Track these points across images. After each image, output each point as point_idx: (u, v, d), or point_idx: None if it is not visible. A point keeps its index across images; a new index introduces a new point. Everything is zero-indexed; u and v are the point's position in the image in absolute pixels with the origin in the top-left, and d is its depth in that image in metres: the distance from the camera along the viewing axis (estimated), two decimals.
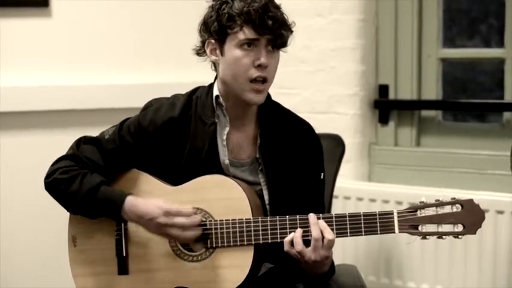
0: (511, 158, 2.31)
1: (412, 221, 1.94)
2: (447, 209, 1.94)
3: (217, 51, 2.02)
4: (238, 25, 1.95)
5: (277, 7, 1.99)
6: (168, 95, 2.15)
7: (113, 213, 2.03)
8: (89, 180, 2.03)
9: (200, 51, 2.08)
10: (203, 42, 2.06)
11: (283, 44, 2.00)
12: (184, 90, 2.16)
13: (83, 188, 2.03)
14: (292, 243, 1.94)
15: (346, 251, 3.08)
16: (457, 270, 2.91)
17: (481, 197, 2.56)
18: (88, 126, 2.52)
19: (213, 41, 2.02)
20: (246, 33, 1.95)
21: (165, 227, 1.97)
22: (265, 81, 1.99)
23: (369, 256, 3.09)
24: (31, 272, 3.09)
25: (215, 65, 2.06)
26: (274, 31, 1.95)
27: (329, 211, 2.70)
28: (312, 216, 1.95)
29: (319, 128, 2.25)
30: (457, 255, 2.90)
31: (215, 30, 1.99)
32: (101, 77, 3.18)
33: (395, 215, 1.95)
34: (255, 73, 1.97)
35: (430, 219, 1.94)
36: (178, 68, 3.19)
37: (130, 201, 2.01)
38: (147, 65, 3.26)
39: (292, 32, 2.01)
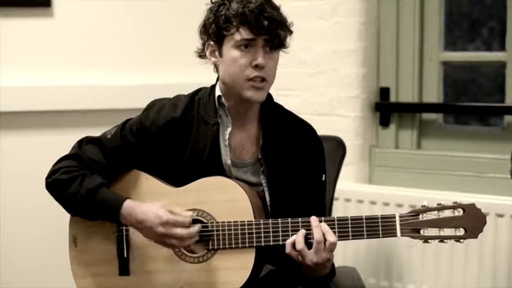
0: (511, 162, 2.31)
1: (413, 224, 1.94)
2: (449, 213, 1.94)
3: (217, 53, 2.03)
4: (235, 26, 1.96)
5: (275, 7, 2.00)
6: (170, 96, 2.15)
7: (111, 217, 2.03)
8: (89, 182, 2.03)
9: (202, 54, 2.09)
10: (203, 45, 2.07)
11: (281, 45, 2.00)
12: (186, 91, 2.16)
13: (82, 190, 2.02)
14: (293, 245, 1.94)
15: (347, 253, 3.08)
16: (456, 273, 2.91)
17: (481, 200, 2.56)
18: (89, 127, 2.51)
19: (212, 43, 2.03)
20: (242, 34, 1.96)
21: (163, 237, 1.97)
22: (263, 80, 1.99)
23: (369, 258, 3.09)
24: (31, 272, 3.09)
25: (216, 66, 2.07)
26: (270, 31, 1.96)
27: (330, 213, 2.70)
28: (313, 219, 1.96)
29: (320, 130, 2.25)
30: (457, 258, 2.90)
31: (213, 32, 2.01)
32: (102, 77, 3.18)
33: (397, 219, 1.95)
34: (252, 73, 1.98)
35: (432, 223, 1.94)
36: (180, 69, 3.18)
37: (128, 205, 2.01)
38: (148, 66, 3.25)
39: (291, 32, 2.02)
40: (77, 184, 2.03)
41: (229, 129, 2.06)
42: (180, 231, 1.96)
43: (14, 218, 3.06)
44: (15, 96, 3.02)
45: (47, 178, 2.09)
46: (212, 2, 2.04)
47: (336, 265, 2.14)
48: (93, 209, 2.03)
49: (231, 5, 1.98)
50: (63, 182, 2.05)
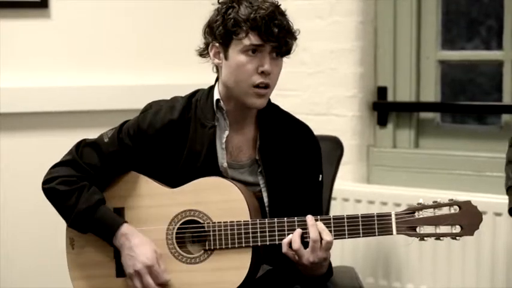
0: (506, 157, 2.32)
1: (410, 222, 1.95)
2: (445, 211, 1.95)
3: (221, 55, 2.02)
4: (244, 31, 1.95)
5: (284, 14, 2.00)
6: (168, 97, 2.15)
7: (105, 237, 2.04)
8: (87, 198, 2.03)
9: (203, 53, 2.08)
10: (207, 45, 2.06)
11: (288, 52, 2.01)
12: (183, 91, 2.16)
13: (79, 205, 2.02)
14: (290, 244, 1.95)
15: (344, 253, 3.08)
16: (455, 272, 2.91)
17: (479, 199, 2.56)
18: (87, 128, 2.52)
19: (217, 44, 2.02)
20: (251, 40, 1.95)
21: (136, 274, 1.98)
22: (267, 87, 2.00)
23: (367, 258, 3.09)
24: (31, 272, 3.09)
25: (217, 68, 2.07)
26: (279, 39, 1.96)
27: (327, 213, 2.70)
28: (309, 218, 1.96)
29: (318, 129, 2.25)
30: (455, 257, 2.90)
31: (220, 34, 1.99)
32: (100, 78, 3.18)
33: (393, 217, 1.95)
34: (258, 79, 1.98)
35: (428, 221, 1.94)
36: (178, 69, 3.19)
37: (125, 230, 2.02)
38: (146, 67, 3.25)
39: (296, 39, 2.02)
40: (74, 198, 2.03)
41: (227, 132, 2.06)
42: (151, 282, 1.98)
43: (14, 218, 3.07)
44: (14, 97, 3.02)
45: (43, 184, 2.09)
46: (219, 3, 2.02)
47: (334, 264, 2.14)
48: (88, 226, 2.04)
49: (241, 8, 1.96)
50: (61, 194, 2.05)
